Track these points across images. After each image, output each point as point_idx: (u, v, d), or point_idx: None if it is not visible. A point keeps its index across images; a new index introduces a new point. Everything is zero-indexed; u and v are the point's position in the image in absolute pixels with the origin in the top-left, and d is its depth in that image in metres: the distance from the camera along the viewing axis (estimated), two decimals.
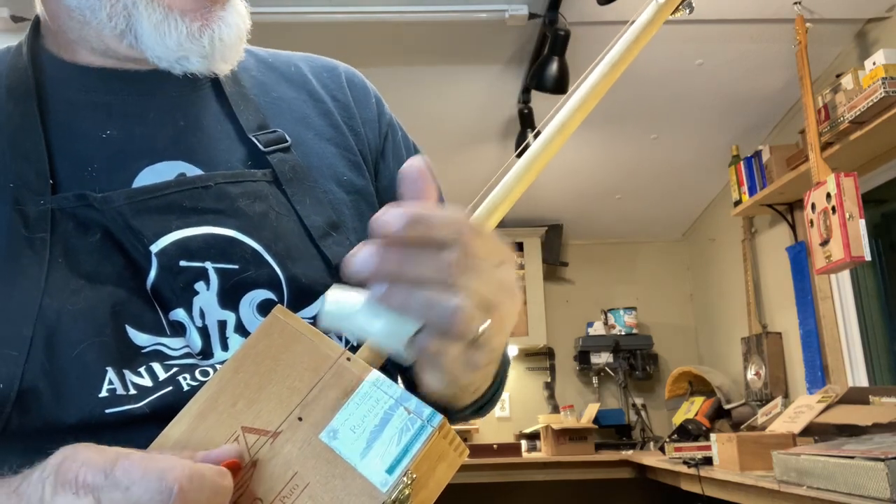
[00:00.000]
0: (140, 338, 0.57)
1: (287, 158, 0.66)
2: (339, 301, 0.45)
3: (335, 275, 0.64)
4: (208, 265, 0.59)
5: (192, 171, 0.63)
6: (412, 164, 0.45)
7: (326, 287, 0.62)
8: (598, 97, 0.50)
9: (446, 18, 2.56)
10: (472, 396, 0.55)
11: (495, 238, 0.45)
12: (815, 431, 2.33)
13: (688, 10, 0.52)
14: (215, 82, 0.69)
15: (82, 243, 0.57)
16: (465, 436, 4.07)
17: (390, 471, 0.41)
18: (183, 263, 0.58)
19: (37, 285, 0.55)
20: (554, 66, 2.57)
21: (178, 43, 0.60)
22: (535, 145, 0.50)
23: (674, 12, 0.53)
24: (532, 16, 2.55)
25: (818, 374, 2.96)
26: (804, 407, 2.49)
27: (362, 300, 0.44)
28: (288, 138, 0.68)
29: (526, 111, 3.03)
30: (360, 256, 0.43)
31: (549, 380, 4.38)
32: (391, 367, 0.67)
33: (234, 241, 0.61)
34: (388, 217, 0.42)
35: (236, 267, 0.60)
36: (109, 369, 0.55)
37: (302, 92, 0.74)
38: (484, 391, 0.59)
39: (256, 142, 0.66)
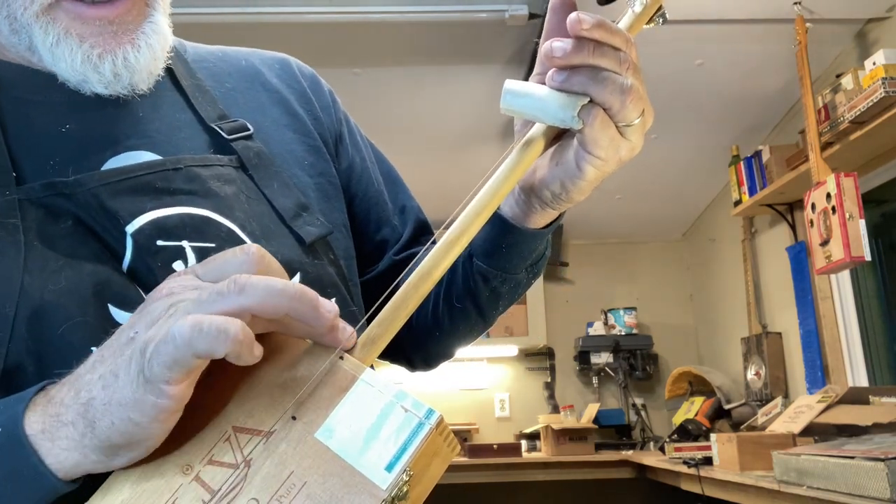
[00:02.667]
0: (123, 316, 0.56)
1: (251, 145, 0.66)
2: (517, 83, 0.54)
3: (308, 253, 0.65)
4: (185, 244, 0.59)
5: (156, 159, 0.62)
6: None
7: (302, 264, 0.63)
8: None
9: (446, 18, 2.55)
10: (581, 196, 0.61)
11: None
12: (815, 431, 2.33)
13: (661, 21, 0.58)
14: (171, 75, 0.68)
15: (55, 229, 0.57)
16: (465, 436, 4.07)
17: (389, 468, 0.41)
18: (160, 243, 0.58)
19: (16, 265, 0.54)
20: None
21: (73, 68, 0.58)
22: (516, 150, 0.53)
23: (648, 22, 0.56)
24: (532, 16, 2.54)
25: (818, 374, 2.96)
26: (804, 407, 2.49)
27: (535, 87, 0.54)
28: (250, 126, 0.68)
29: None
30: (558, 45, 0.52)
31: (549, 380, 4.38)
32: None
33: (208, 220, 0.60)
34: (583, 16, 0.50)
35: (213, 245, 0.60)
36: (94, 349, 0.53)
37: (255, 83, 0.74)
38: (548, 241, 0.70)
39: (219, 130, 0.66)
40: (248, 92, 0.72)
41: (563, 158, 0.58)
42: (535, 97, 0.53)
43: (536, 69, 0.59)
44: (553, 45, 0.51)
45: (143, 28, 0.60)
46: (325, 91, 0.79)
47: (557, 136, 0.57)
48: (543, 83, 0.55)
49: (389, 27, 2.61)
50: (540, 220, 0.65)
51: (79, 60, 0.58)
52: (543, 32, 0.56)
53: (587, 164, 0.55)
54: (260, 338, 0.49)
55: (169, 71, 0.68)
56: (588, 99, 0.52)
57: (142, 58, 0.60)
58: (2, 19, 0.58)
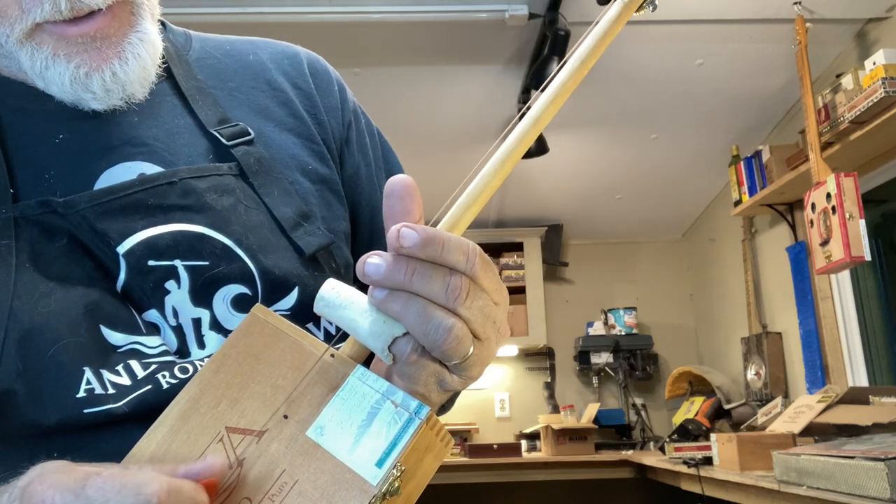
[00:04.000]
0: (115, 337, 0.56)
1: (251, 151, 0.65)
2: (336, 290, 0.46)
3: (308, 265, 0.63)
4: (178, 263, 0.58)
5: (152, 169, 0.61)
6: (398, 182, 0.46)
7: (301, 278, 0.62)
8: (567, 94, 0.50)
9: (446, 18, 2.56)
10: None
11: (497, 276, 0.46)
12: (815, 431, 2.33)
13: (651, 8, 0.53)
14: (170, 77, 0.67)
15: (49, 248, 0.56)
16: (464, 436, 4.07)
17: (380, 464, 0.41)
18: (151, 263, 0.58)
19: (5, 289, 0.54)
20: (554, 66, 2.57)
21: (63, 90, 0.58)
22: (508, 140, 0.50)
23: (638, 10, 0.52)
24: (532, 16, 2.55)
25: (818, 374, 2.96)
26: (804, 407, 2.49)
27: (358, 296, 0.45)
28: (251, 131, 0.66)
29: (526, 111, 3.02)
30: (372, 263, 0.43)
31: (549, 380, 4.38)
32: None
33: (203, 237, 0.59)
34: (405, 232, 0.42)
35: (206, 263, 0.59)
36: (87, 369, 0.54)
37: (260, 81, 0.71)
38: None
39: (219, 136, 0.64)
40: (251, 91, 0.70)
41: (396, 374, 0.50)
42: (350, 311, 0.45)
43: None
44: (367, 261, 0.43)
45: (129, 38, 0.59)
46: (333, 90, 0.76)
47: None
48: None
49: (389, 27, 2.62)
50: None
51: (67, 82, 0.57)
52: (384, 218, 0.46)
53: (415, 395, 0.46)
54: (249, 336, 0.49)
55: (168, 74, 0.66)
56: (403, 331, 0.44)
57: (130, 70, 0.59)
58: None
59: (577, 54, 0.50)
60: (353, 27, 2.60)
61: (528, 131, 0.50)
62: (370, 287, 0.44)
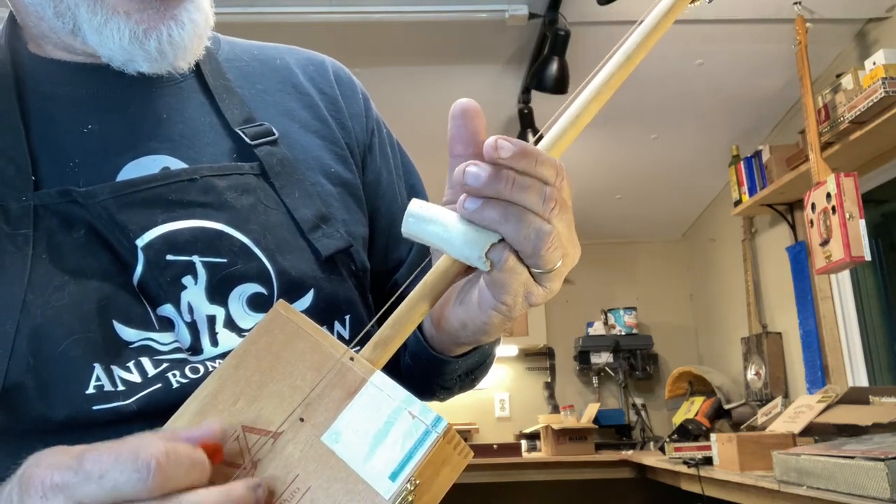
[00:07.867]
0: (127, 332, 0.56)
1: (275, 151, 0.65)
2: (423, 207, 0.47)
3: (325, 267, 0.63)
4: (196, 259, 0.58)
5: (176, 164, 0.61)
6: (463, 103, 0.47)
7: (316, 280, 0.62)
8: (612, 91, 0.51)
9: (446, 18, 2.55)
10: (488, 338, 0.54)
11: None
12: (815, 431, 2.33)
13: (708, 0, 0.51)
14: (199, 75, 0.67)
15: (67, 239, 0.56)
16: (465, 436, 4.06)
17: (393, 477, 0.40)
18: (170, 257, 0.57)
19: (19, 281, 0.53)
20: (554, 66, 2.57)
21: (121, 47, 0.58)
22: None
23: (692, 1, 0.51)
24: (532, 16, 2.55)
25: (818, 374, 2.96)
26: (804, 407, 2.49)
27: (445, 212, 0.46)
28: (275, 131, 0.66)
29: (526, 111, 3.02)
30: (472, 171, 0.44)
31: (549, 380, 4.38)
32: (394, 371, 0.66)
33: (222, 234, 0.60)
34: (502, 143, 0.43)
35: (224, 260, 0.59)
36: (97, 365, 0.54)
37: (287, 85, 0.72)
38: (479, 356, 0.62)
39: (243, 135, 0.64)
40: (278, 94, 0.71)
41: (468, 297, 0.51)
42: (441, 225, 0.46)
43: (447, 195, 0.52)
44: (467, 170, 0.44)
45: (185, 5, 0.60)
46: (358, 98, 0.77)
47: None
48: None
49: (389, 27, 2.61)
50: (455, 347, 0.59)
51: (127, 38, 0.58)
52: (449, 140, 0.47)
53: (491, 309, 0.48)
54: (270, 332, 0.48)
55: (198, 71, 0.67)
56: (499, 238, 0.45)
57: (185, 34, 0.60)
58: (47, 2, 0.58)
59: (624, 48, 0.49)
60: (353, 27, 2.60)
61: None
62: (461, 199, 0.45)
